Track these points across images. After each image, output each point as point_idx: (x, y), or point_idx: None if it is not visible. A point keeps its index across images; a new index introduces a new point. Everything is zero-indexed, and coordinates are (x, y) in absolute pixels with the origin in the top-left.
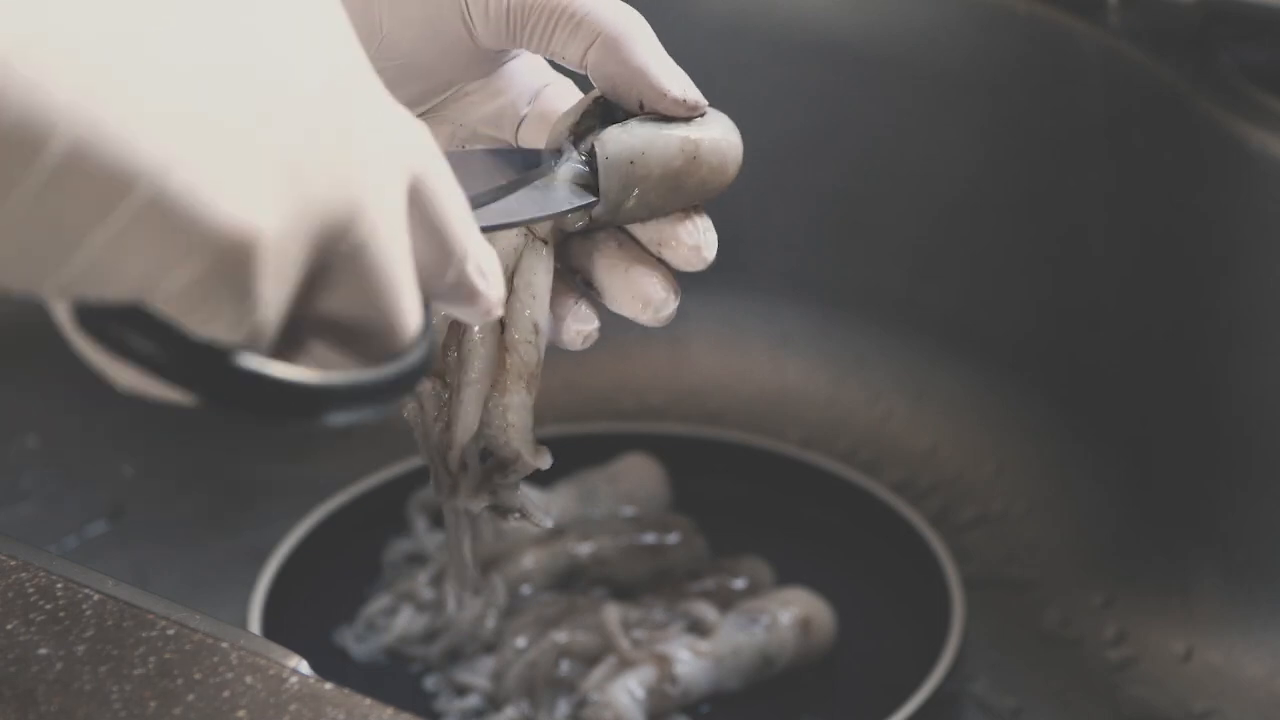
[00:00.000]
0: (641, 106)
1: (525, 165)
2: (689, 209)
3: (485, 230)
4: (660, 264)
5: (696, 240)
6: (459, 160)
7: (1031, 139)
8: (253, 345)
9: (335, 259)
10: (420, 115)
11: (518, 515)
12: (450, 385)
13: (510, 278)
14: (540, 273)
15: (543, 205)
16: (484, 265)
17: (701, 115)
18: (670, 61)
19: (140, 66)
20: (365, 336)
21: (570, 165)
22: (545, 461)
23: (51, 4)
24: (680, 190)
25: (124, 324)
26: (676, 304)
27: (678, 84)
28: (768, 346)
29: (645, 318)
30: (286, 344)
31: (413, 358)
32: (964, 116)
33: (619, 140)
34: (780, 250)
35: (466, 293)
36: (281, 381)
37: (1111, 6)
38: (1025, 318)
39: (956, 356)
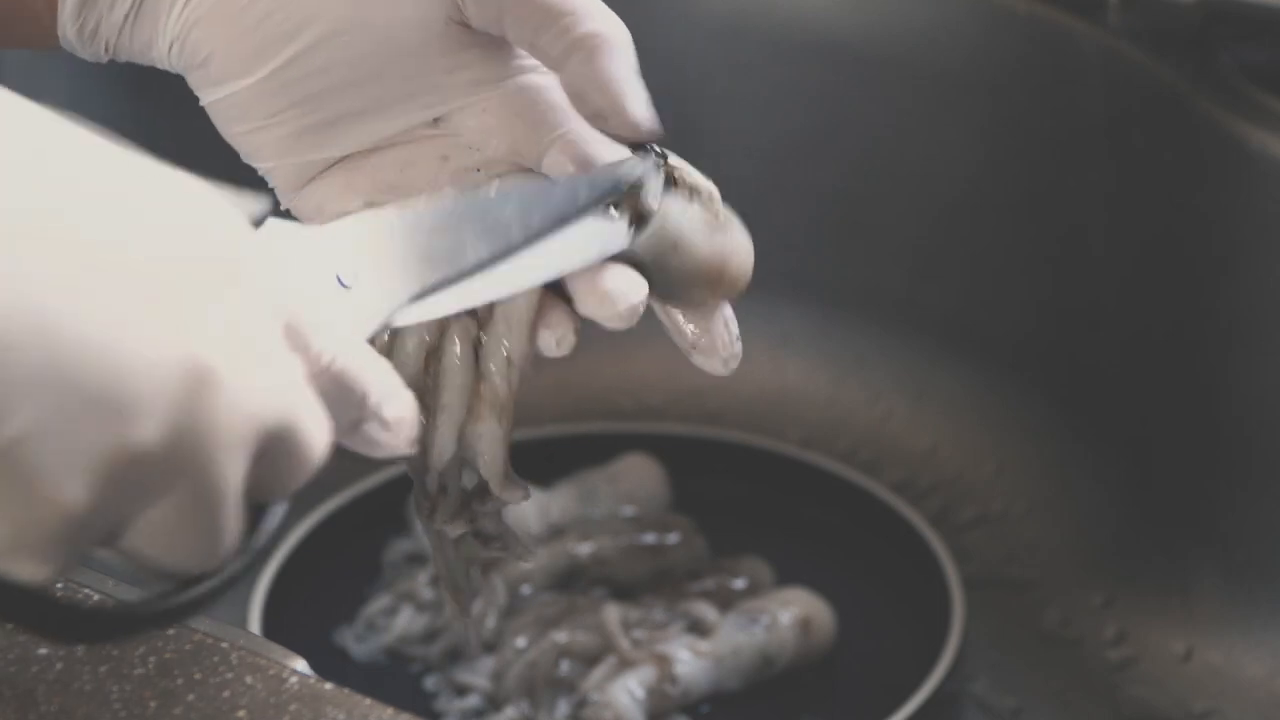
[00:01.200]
0: (596, 117)
1: (556, 201)
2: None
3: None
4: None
5: (722, 348)
6: (484, 199)
7: (1031, 139)
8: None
9: (153, 514)
10: (432, 132)
11: (499, 545)
12: (428, 408)
13: (490, 305)
14: (520, 302)
15: (571, 257)
16: (385, 414)
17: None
18: (639, 83)
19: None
20: (172, 569)
21: (607, 222)
22: (515, 496)
23: None
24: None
25: None
26: (642, 305)
27: (640, 109)
28: (768, 346)
29: (608, 316)
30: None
31: (221, 577)
32: (964, 116)
33: (674, 221)
34: (780, 250)
35: (367, 443)
36: (92, 614)
37: (1111, 6)
38: (1025, 318)
39: (956, 356)
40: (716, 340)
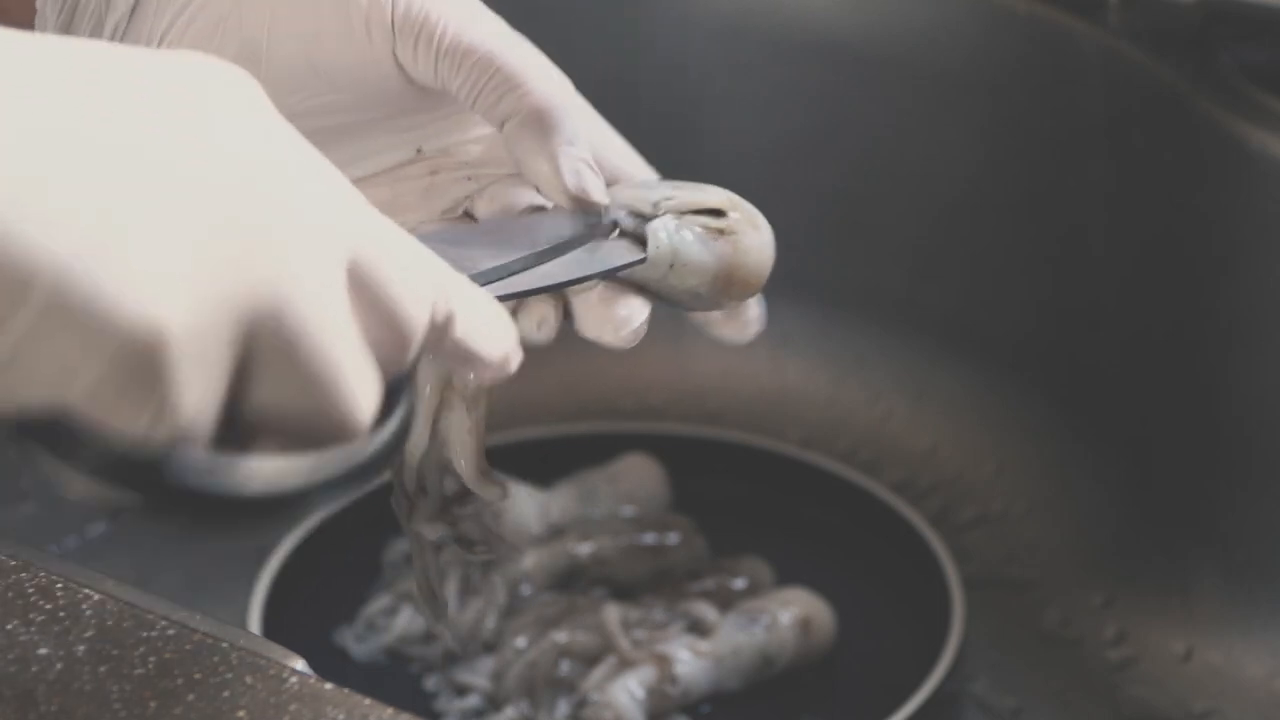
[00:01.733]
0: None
1: (569, 229)
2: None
3: (516, 295)
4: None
5: (743, 325)
6: (485, 225)
7: (1031, 139)
8: (187, 444)
9: (265, 352)
10: (434, 162)
11: (483, 549)
12: None
13: None
14: None
15: (584, 266)
16: (478, 324)
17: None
18: (578, 158)
19: (36, 159)
20: (312, 428)
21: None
22: (491, 493)
23: None
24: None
25: (46, 435)
26: (644, 326)
27: (573, 179)
28: (768, 346)
29: (610, 340)
30: (231, 440)
31: (366, 447)
32: (964, 116)
33: (666, 238)
34: (780, 250)
35: (462, 356)
36: (218, 488)
37: (1111, 6)
38: (1025, 318)
39: (956, 356)
40: (739, 318)
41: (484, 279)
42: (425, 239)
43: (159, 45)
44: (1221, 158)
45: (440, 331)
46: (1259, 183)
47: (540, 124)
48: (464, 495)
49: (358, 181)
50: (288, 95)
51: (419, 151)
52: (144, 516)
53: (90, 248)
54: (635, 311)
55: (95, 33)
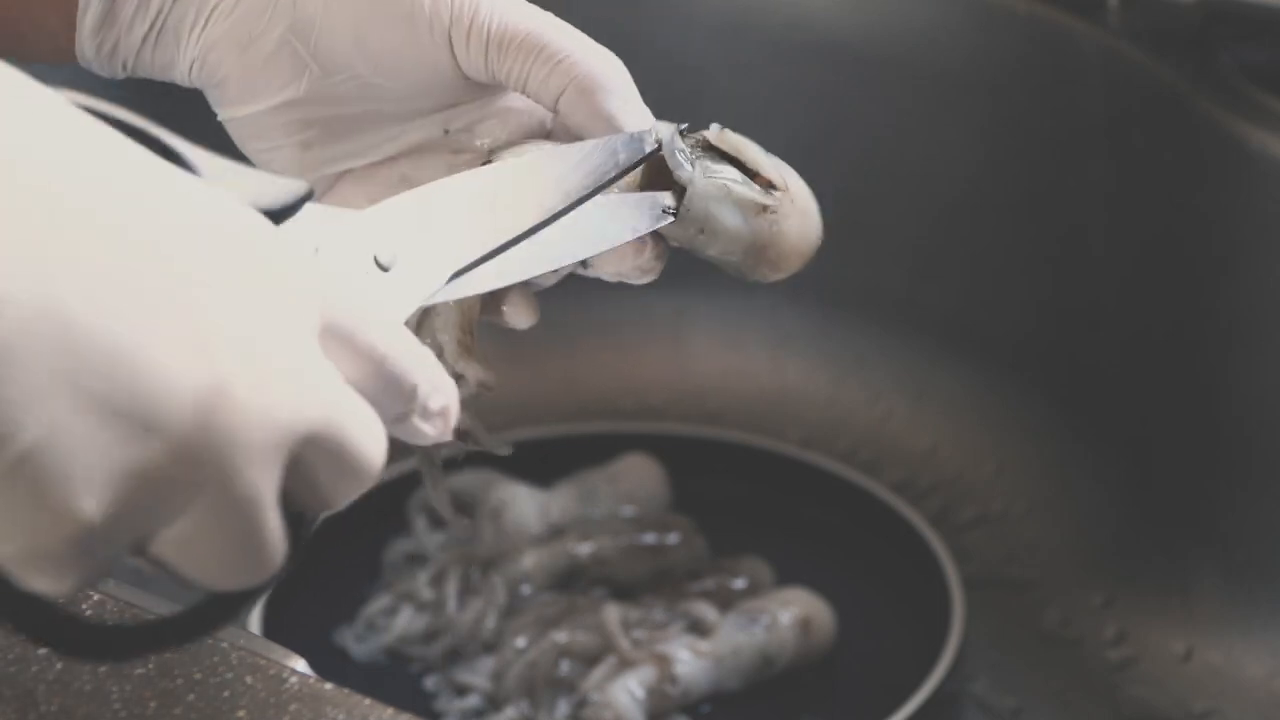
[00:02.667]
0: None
1: (593, 164)
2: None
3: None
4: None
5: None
6: (518, 167)
7: (1031, 139)
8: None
9: (180, 523)
10: (457, 140)
11: (471, 441)
12: None
13: None
14: None
15: (607, 235)
16: (433, 408)
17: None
18: (641, 114)
19: (23, 340)
20: (201, 583)
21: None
22: (472, 371)
23: None
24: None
25: None
26: (662, 262)
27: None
28: (768, 346)
29: (628, 271)
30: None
31: (247, 590)
32: (964, 116)
33: (700, 201)
34: None
35: (413, 434)
36: (113, 629)
37: (1111, 6)
38: (1025, 318)
39: (956, 356)
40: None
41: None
42: (451, 203)
43: (206, 20)
44: (1221, 158)
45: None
46: (1259, 183)
47: (593, 89)
48: (458, 381)
49: (382, 162)
50: (329, 75)
51: (446, 132)
52: (38, 644)
53: (38, 441)
54: (655, 260)
55: (140, 9)
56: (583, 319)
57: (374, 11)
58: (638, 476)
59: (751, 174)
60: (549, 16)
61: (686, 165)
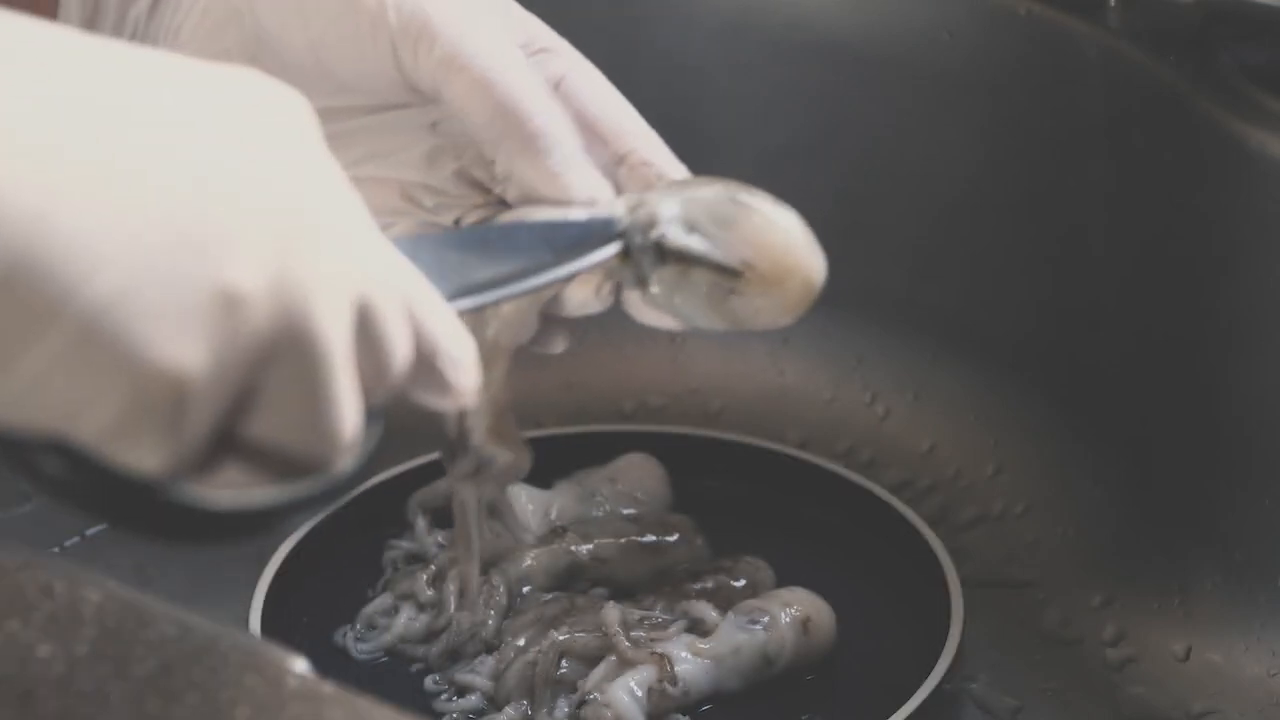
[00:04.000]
0: None
1: (571, 235)
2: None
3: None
4: None
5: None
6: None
7: (1031, 139)
8: (174, 473)
9: (272, 389)
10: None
11: (500, 522)
12: None
13: None
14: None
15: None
16: (456, 356)
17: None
18: (585, 172)
19: (86, 189)
20: (296, 459)
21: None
22: (499, 455)
23: (16, 121)
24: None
25: (42, 456)
26: None
27: (564, 192)
28: (768, 346)
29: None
30: (205, 462)
31: (333, 476)
32: (964, 116)
33: (665, 299)
34: None
35: (437, 386)
36: (207, 511)
37: (1111, 6)
38: (1025, 318)
39: (956, 356)
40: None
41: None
42: (419, 247)
43: (175, 40)
44: (1221, 158)
45: (422, 366)
46: (1259, 183)
47: (533, 151)
48: (493, 461)
49: (356, 127)
50: (301, 88)
51: (434, 126)
52: (123, 530)
53: (123, 285)
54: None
55: (118, 25)
56: (582, 319)
57: (324, 28)
58: (638, 476)
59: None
60: (502, 43)
61: (637, 279)
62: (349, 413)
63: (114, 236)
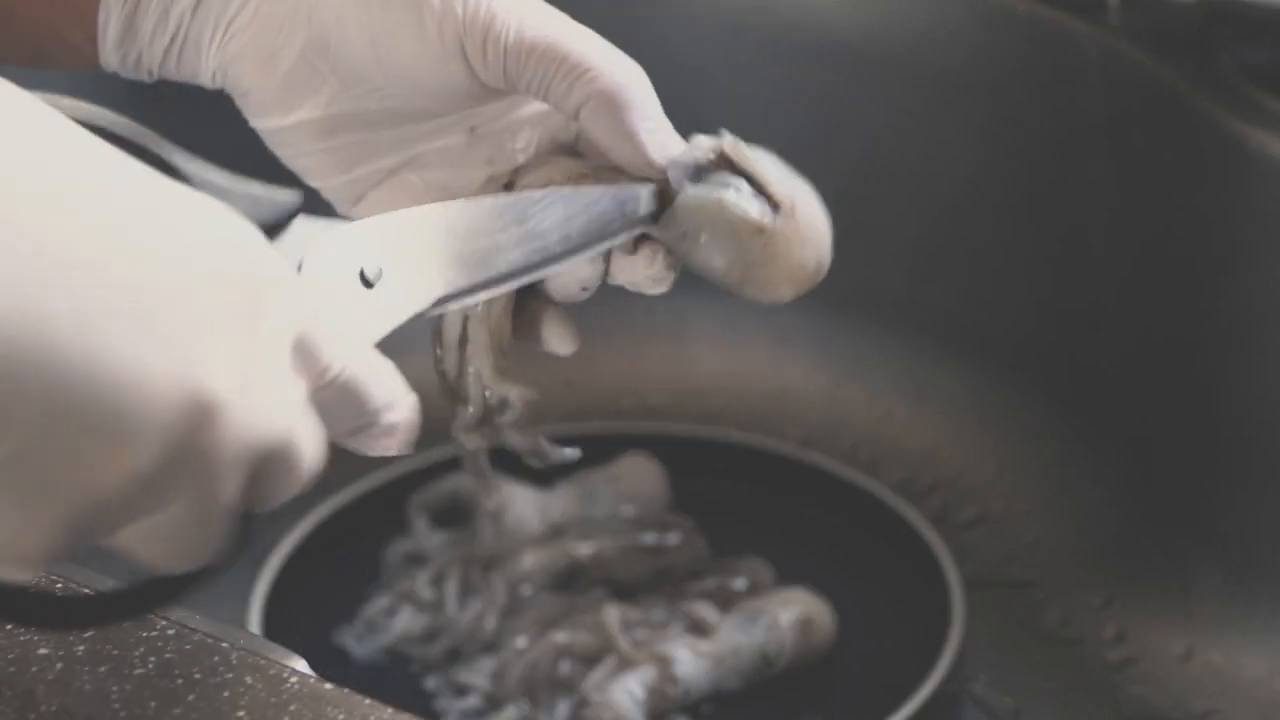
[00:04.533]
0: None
1: (599, 212)
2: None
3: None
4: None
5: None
6: (525, 202)
7: (1031, 139)
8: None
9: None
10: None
11: (533, 456)
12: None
13: None
14: None
15: (588, 232)
16: (385, 420)
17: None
18: (661, 127)
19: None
20: (152, 560)
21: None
22: (514, 391)
23: None
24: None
25: None
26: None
27: (661, 153)
28: (768, 346)
29: (642, 283)
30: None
31: (177, 582)
32: (964, 116)
33: (686, 210)
34: None
35: (368, 447)
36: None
37: (1111, 6)
38: (1025, 318)
39: (956, 356)
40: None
41: (507, 279)
42: (450, 228)
43: (224, 34)
44: (1221, 158)
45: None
46: (1259, 183)
47: (615, 105)
48: (503, 404)
49: (415, 164)
50: (349, 88)
51: (472, 130)
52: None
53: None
54: (666, 270)
55: (160, 21)
56: (583, 319)
57: (387, 23)
58: (638, 476)
59: (759, 190)
60: (569, 23)
61: (681, 177)
62: (219, 542)
63: (26, 402)
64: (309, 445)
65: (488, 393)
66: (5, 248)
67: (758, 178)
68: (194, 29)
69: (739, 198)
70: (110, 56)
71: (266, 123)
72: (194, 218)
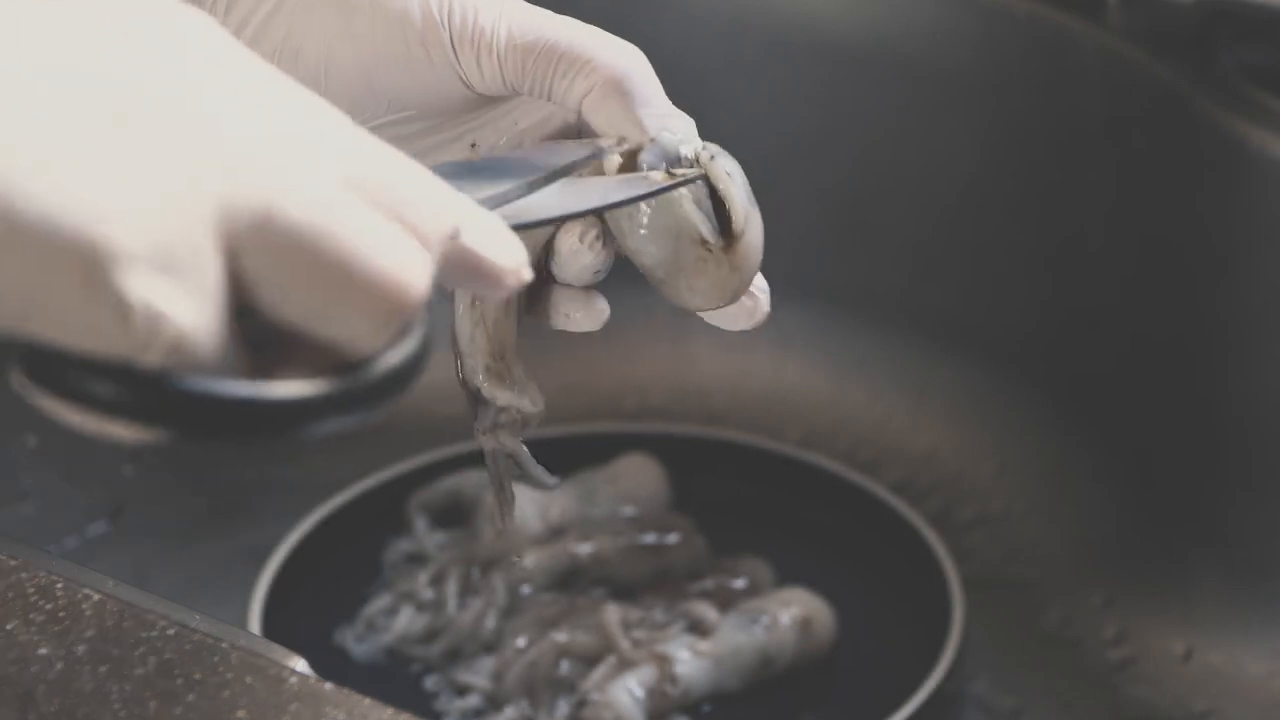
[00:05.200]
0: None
1: (582, 148)
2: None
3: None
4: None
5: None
6: (504, 156)
7: (1031, 139)
8: (193, 363)
9: (263, 260)
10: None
11: (515, 468)
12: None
13: None
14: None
15: (583, 199)
16: (486, 234)
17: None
18: (666, 106)
19: None
20: (335, 339)
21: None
22: (502, 397)
23: None
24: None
25: (29, 363)
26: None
27: (673, 131)
28: (768, 346)
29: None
30: (265, 359)
31: (391, 359)
32: (964, 116)
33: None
34: (780, 250)
35: (470, 267)
36: (227, 399)
37: (1111, 6)
38: (1025, 318)
39: (957, 356)
40: (730, 314)
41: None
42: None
43: None
44: (1221, 158)
45: (450, 243)
46: (1259, 183)
47: (618, 92)
48: (503, 409)
49: None
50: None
51: (473, 146)
52: (160, 434)
53: (39, 169)
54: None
55: None
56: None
57: (375, 49)
58: (638, 476)
59: (719, 205)
60: (557, 18)
61: (655, 161)
62: (372, 283)
63: (32, 126)
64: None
65: (486, 397)
66: None
67: (724, 196)
68: None
69: (695, 209)
70: None
71: None
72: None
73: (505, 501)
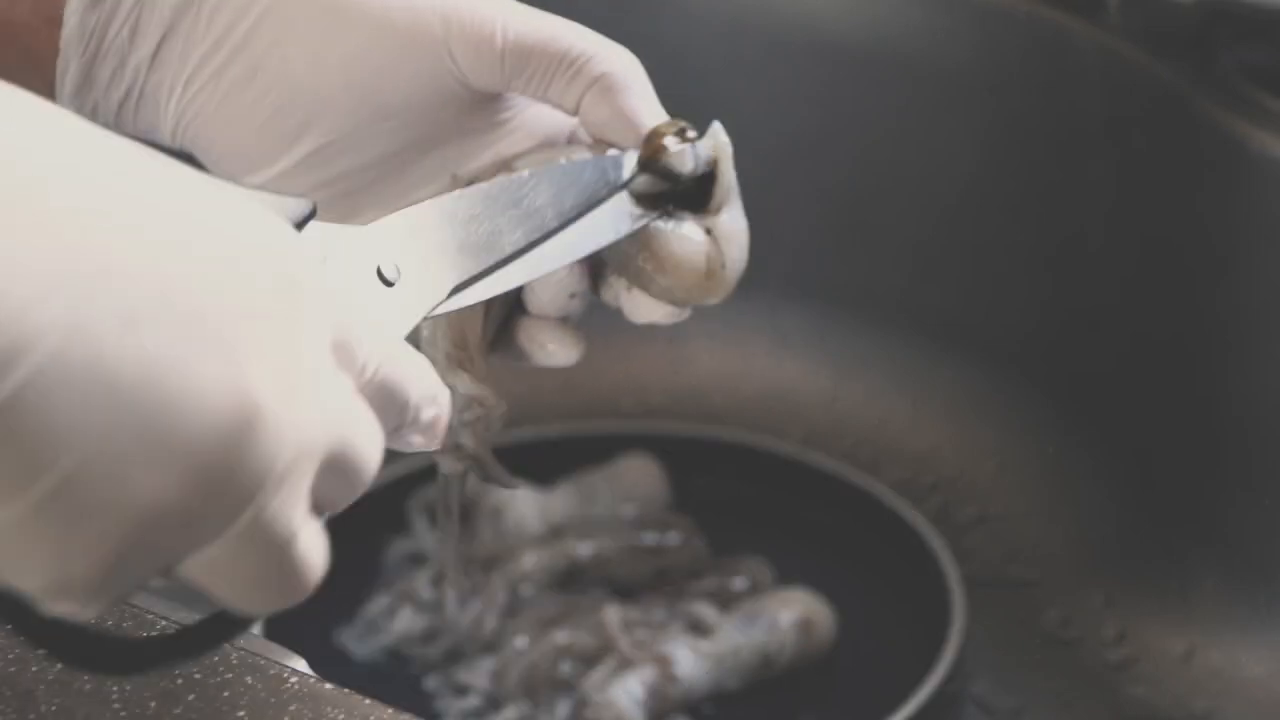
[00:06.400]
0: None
1: (587, 181)
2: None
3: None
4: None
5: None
6: (517, 183)
7: (1031, 139)
8: (63, 595)
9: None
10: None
11: (478, 469)
12: None
13: None
14: None
15: (597, 238)
16: (421, 418)
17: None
18: (657, 107)
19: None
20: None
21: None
22: (462, 384)
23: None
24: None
25: None
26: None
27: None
28: (768, 346)
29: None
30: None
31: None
32: (964, 116)
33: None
34: (780, 250)
35: (403, 445)
36: (73, 637)
37: (1111, 6)
38: (1025, 318)
39: (957, 356)
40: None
41: (513, 257)
42: (452, 218)
43: (184, 89)
44: (1221, 158)
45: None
46: (1259, 183)
47: (615, 90)
48: (467, 402)
49: (400, 194)
50: (327, 135)
51: (454, 177)
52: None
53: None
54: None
55: (117, 73)
56: (584, 319)
57: (359, 54)
58: (638, 476)
59: (703, 183)
60: (553, 17)
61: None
62: (301, 571)
63: (73, 425)
64: (368, 441)
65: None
66: (42, 256)
67: (719, 202)
68: (152, 81)
69: (693, 229)
70: (67, 106)
71: (244, 178)
72: (233, 217)
73: (451, 524)
